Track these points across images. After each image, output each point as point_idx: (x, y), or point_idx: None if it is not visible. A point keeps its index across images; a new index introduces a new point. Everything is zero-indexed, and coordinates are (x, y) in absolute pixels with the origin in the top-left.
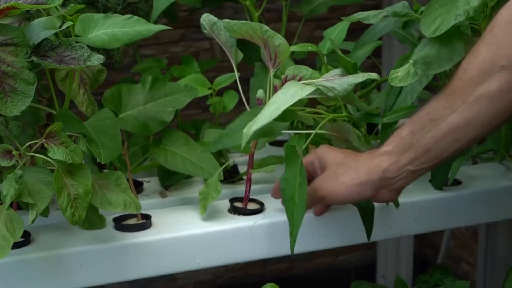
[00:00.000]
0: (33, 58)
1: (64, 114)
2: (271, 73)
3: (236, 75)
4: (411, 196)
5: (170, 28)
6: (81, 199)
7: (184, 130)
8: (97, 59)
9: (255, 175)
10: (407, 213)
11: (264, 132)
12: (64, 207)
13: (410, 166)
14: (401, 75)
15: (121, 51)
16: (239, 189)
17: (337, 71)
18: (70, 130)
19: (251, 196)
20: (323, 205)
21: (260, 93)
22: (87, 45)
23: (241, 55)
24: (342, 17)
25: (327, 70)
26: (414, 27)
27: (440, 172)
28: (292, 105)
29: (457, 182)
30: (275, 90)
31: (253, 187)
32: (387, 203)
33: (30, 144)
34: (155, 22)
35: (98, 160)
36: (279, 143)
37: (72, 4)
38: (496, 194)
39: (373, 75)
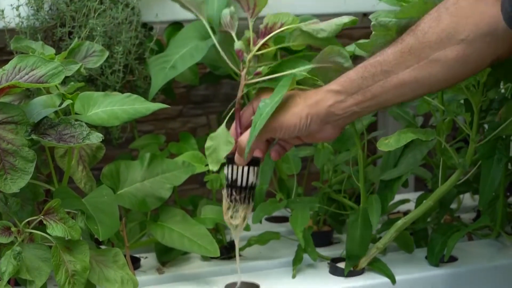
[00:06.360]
0: (33, 136)
1: (63, 190)
2: (250, 23)
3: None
4: (407, 273)
5: (168, 106)
6: (78, 275)
7: (182, 206)
8: (96, 138)
9: (250, 252)
10: None
11: None
12: (62, 283)
13: (355, 107)
14: (388, 142)
15: (119, 128)
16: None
17: (314, 20)
18: (69, 207)
19: (246, 277)
20: (277, 148)
21: (239, 44)
22: (86, 123)
23: None
24: None
25: None
26: (409, 104)
27: (436, 248)
28: None
29: (453, 259)
30: (254, 43)
31: (249, 263)
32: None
33: (28, 221)
34: (153, 99)
35: (96, 236)
36: (276, 219)
37: (72, 83)
38: (492, 271)
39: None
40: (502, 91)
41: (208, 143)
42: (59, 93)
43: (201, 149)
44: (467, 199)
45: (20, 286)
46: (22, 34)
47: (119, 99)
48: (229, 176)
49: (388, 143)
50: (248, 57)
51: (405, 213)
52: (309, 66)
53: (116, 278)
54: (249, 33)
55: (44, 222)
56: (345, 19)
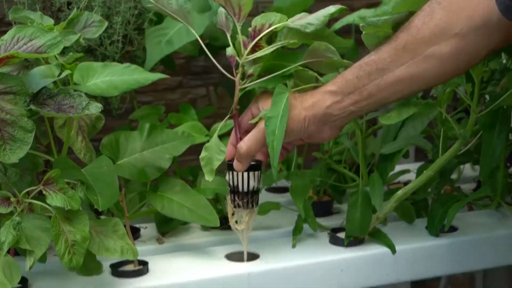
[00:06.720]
0: (32, 107)
1: (62, 161)
2: (238, 27)
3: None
4: (407, 243)
5: (168, 76)
6: (78, 245)
7: (181, 176)
8: (95, 108)
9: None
10: (404, 260)
11: None
12: (61, 253)
13: (353, 107)
14: (390, 115)
15: (119, 98)
16: (236, 236)
17: (302, 14)
18: (68, 177)
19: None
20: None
21: (230, 50)
22: (86, 93)
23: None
24: None
25: None
26: None
27: (436, 218)
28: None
29: (453, 229)
30: (244, 45)
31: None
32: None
33: (28, 191)
34: (153, 69)
35: (95, 206)
36: (276, 190)
37: (71, 53)
38: (492, 241)
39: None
40: (504, 61)
41: (202, 154)
42: (58, 64)
43: (201, 120)
44: (468, 169)
45: (20, 256)
46: (21, 5)
47: (118, 69)
48: (231, 182)
49: (390, 117)
50: (240, 61)
51: (406, 183)
52: (300, 63)
53: (116, 248)
54: (240, 37)
55: (44, 192)
56: (332, 9)
